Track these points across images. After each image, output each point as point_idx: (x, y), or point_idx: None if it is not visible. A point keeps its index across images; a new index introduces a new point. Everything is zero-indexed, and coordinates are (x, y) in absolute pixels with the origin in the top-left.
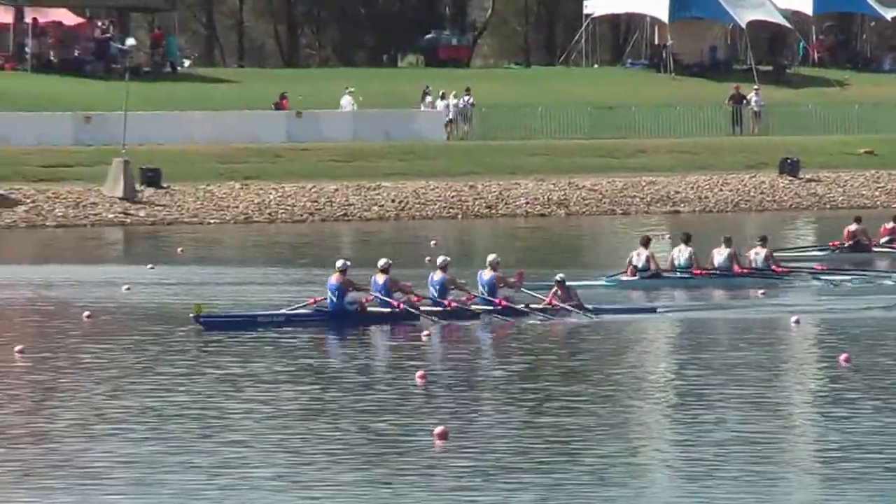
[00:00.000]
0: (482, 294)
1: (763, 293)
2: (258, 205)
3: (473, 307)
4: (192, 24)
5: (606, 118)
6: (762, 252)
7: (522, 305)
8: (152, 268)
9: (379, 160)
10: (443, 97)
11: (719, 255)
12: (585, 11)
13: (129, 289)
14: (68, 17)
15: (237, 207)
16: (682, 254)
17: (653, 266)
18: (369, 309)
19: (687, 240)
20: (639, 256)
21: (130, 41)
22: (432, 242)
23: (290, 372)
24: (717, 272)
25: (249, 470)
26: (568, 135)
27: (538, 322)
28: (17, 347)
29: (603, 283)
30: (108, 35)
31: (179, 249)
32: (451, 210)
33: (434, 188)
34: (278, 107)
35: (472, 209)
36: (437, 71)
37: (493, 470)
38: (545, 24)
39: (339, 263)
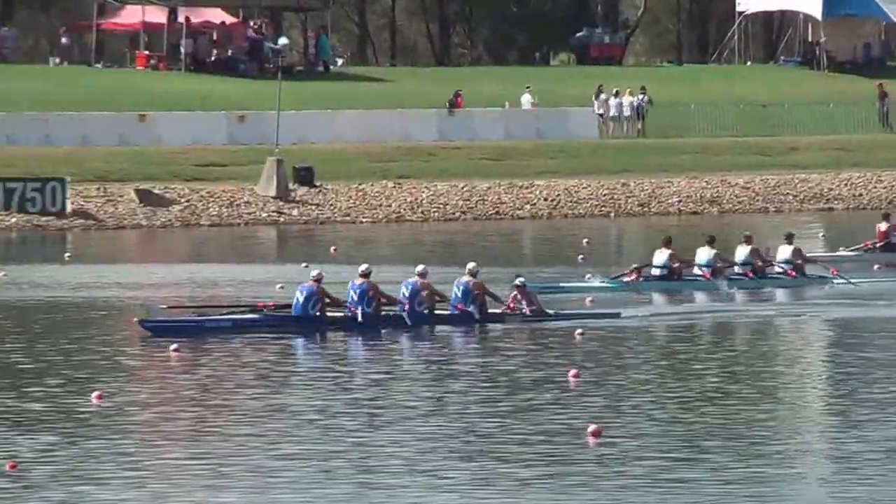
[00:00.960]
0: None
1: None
2: (410, 203)
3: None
4: (345, 24)
5: (759, 116)
6: (788, 250)
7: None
8: (306, 266)
9: (531, 159)
10: (616, 95)
11: (741, 254)
12: (738, 9)
13: (282, 287)
14: (222, 17)
15: (389, 206)
16: (703, 255)
17: (676, 266)
18: (330, 315)
19: (711, 242)
20: (660, 255)
21: (283, 40)
22: (585, 241)
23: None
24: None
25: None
26: (720, 132)
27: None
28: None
29: (605, 284)
30: (262, 35)
31: (332, 248)
32: (603, 208)
33: (586, 186)
34: (452, 104)
35: (625, 207)
36: (589, 69)
37: (647, 469)
38: (698, 21)
39: (314, 273)
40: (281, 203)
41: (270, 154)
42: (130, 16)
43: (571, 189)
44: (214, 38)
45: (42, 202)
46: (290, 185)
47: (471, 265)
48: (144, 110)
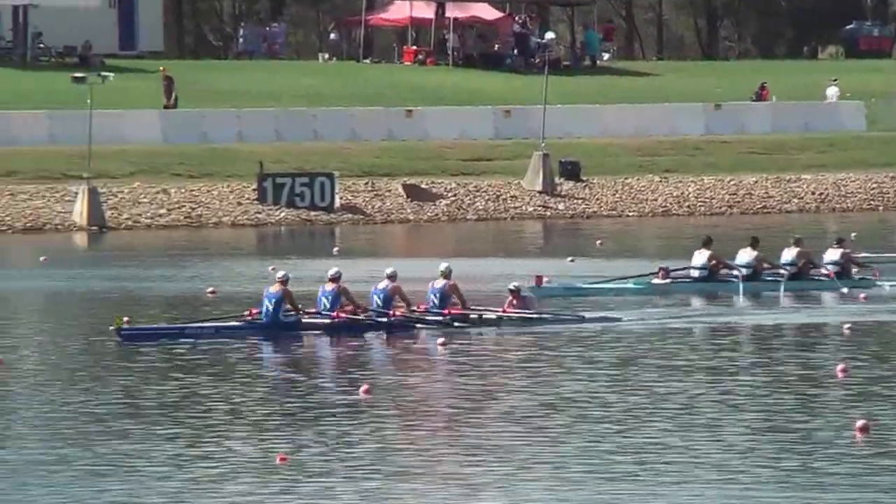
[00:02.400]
0: (433, 304)
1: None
2: (676, 198)
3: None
4: (613, 18)
5: None
6: (837, 252)
7: (475, 315)
8: (572, 261)
9: (798, 152)
10: None
11: (788, 256)
12: None
13: (549, 282)
14: (488, 12)
15: (655, 200)
16: (743, 257)
17: (715, 267)
18: (305, 321)
19: (754, 244)
20: (699, 256)
21: (550, 35)
22: (853, 235)
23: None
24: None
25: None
26: None
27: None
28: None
29: (630, 286)
30: (528, 29)
31: (598, 242)
32: (871, 202)
33: (854, 180)
34: (758, 97)
35: (894, 201)
36: (857, 63)
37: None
38: None
39: (280, 274)
40: (547, 197)
41: (536, 148)
42: (398, 11)
43: (839, 182)
44: (481, 33)
45: (311, 197)
46: (556, 180)
47: (443, 266)
48: (411, 105)
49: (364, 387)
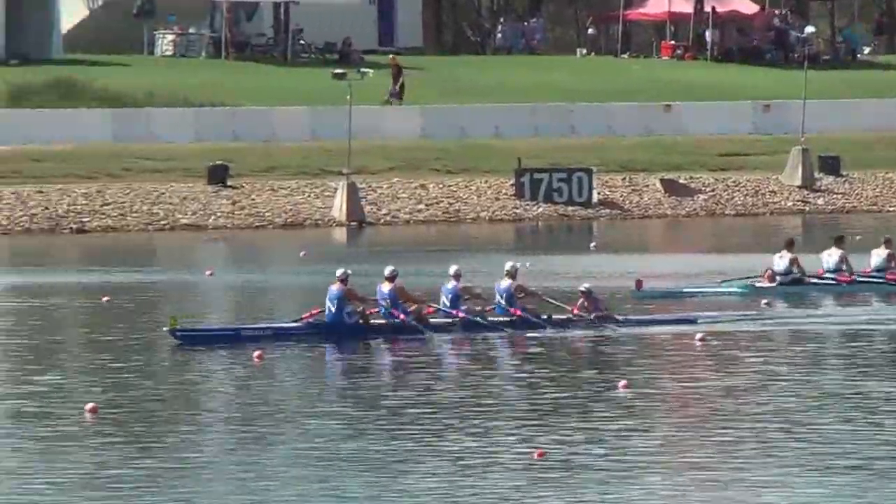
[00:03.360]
0: (499, 304)
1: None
2: None
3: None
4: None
5: None
6: (883, 254)
7: (544, 316)
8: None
9: None
10: None
11: (876, 257)
12: None
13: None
14: (747, 7)
15: None
16: (831, 258)
17: (796, 271)
18: (372, 321)
19: (838, 242)
20: (781, 259)
21: (810, 29)
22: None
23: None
24: (866, 277)
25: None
26: None
27: (560, 334)
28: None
29: (734, 289)
30: (787, 24)
31: (856, 237)
32: None
33: None
34: None
35: None
36: None
37: None
38: None
39: (340, 272)
40: (806, 192)
41: (796, 143)
42: (657, 6)
43: None
44: (740, 27)
45: (568, 192)
46: (816, 175)
47: (509, 265)
48: (669, 100)
49: (622, 382)
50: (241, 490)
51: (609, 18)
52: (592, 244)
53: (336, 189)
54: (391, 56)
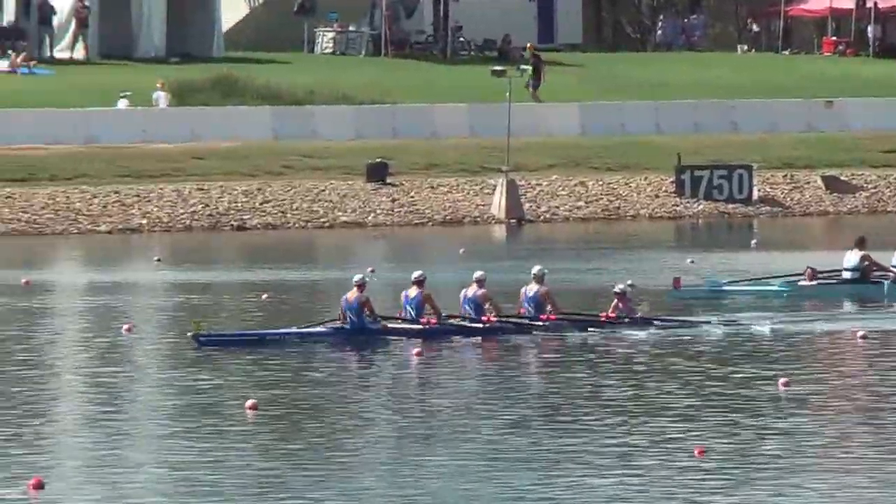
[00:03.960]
0: (528, 310)
1: None
2: None
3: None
4: None
5: None
6: None
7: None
8: None
9: None
10: None
11: None
12: None
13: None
14: None
15: None
16: (851, 259)
17: (868, 268)
18: (391, 325)
19: (860, 244)
20: (852, 256)
21: None
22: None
23: None
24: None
25: None
26: None
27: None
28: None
29: (775, 288)
30: None
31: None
32: None
33: None
34: None
35: None
36: None
37: None
38: None
39: (357, 278)
40: None
41: None
42: (818, 2)
43: None
44: None
45: (729, 189)
46: None
47: (536, 269)
48: (831, 96)
49: (783, 379)
50: (414, 488)
51: (770, 14)
52: (753, 241)
53: (495, 186)
54: (529, 45)
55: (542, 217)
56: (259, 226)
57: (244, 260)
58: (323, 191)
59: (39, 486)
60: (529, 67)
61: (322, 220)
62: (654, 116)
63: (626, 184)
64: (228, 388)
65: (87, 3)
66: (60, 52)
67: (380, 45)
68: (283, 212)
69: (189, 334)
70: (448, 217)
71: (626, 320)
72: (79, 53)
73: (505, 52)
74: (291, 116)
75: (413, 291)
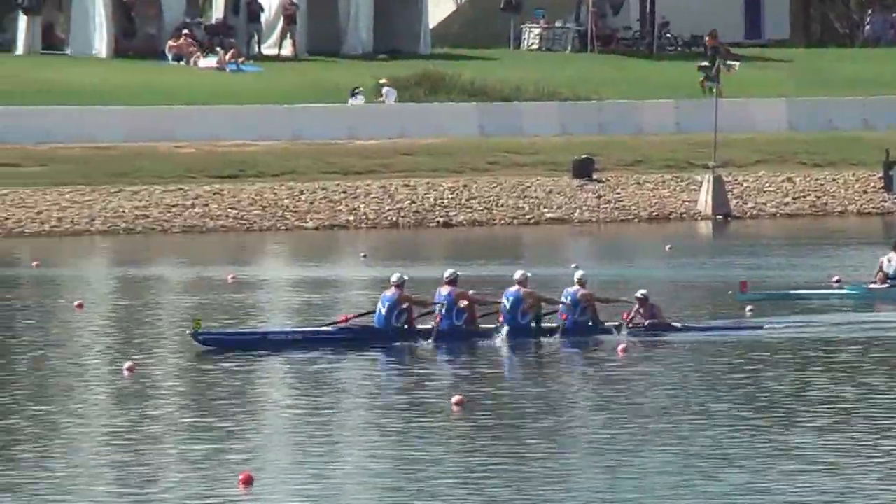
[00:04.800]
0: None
1: None
2: None
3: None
4: None
5: None
6: None
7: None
8: None
9: None
10: None
11: None
12: None
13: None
14: None
15: None
16: (892, 263)
17: None
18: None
19: None
20: (889, 263)
21: None
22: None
23: None
24: None
25: None
26: None
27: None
28: None
29: (845, 291)
30: None
31: None
32: None
33: None
34: None
35: None
36: None
37: None
38: None
39: (395, 277)
40: None
41: None
42: None
43: None
44: None
45: None
46: None
47: (579, 273)
48: None
49: None
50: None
51: None
52: None
53: (701, 182)
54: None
55: (748, 213)
56: (465, 222)
57: (450, 256)
58: (528, 187)
59: (248, 481)
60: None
61: (528, 216)
62: (861, 112)
63: (834, 179)
64: (433, 383)
65: (295, 1)
66: (268, 49)
67: (586, 42)
68: (488, 208)
69: (188, 332)
70: (654, 213)
71: (646, 324)
72: (286, 50)
73: (713, 47)
74: (497, 113)
75: (445, 290)
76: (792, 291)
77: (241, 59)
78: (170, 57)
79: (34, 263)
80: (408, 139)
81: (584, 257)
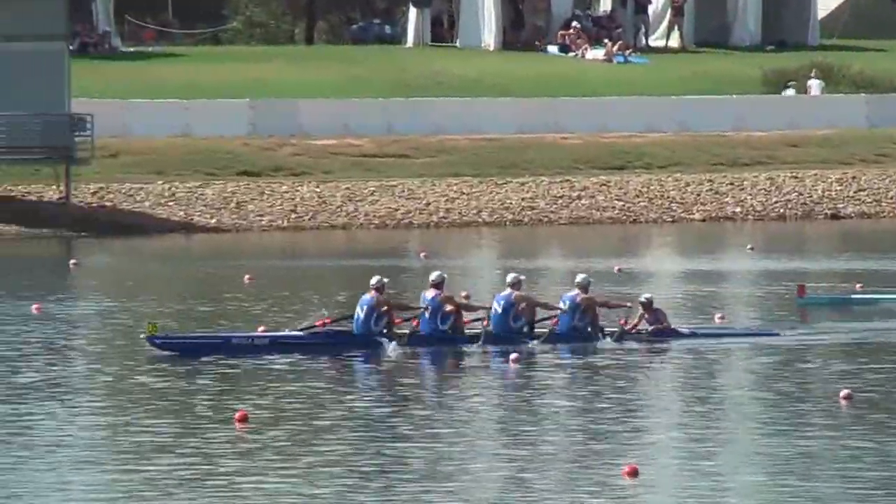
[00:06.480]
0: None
1: None
2: None
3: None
4: None
5: None
6: None
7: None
8: None
9: None
10: None
11: None
12: None
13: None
14: None
15: None
16: None
17: None
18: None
19: None
20: None
21: None
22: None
23: None
24: None
25: None
26: None
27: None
28: None
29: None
30: None
31: None
32: None
33: None
34: None
35: None
36: None
37: None
38: None
39: (374, 280)
40: None
41: None
42: None
43: None
44: None
45: None
46: None
47: (580, 277)
48: None
49: None
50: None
51: None
52: None
53: None
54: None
55: None
56: (853, 214)
57: (837, 249)
58: None
59: (634, 473)
60: None
61: None
62: None
63: None
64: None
65: None
66: (655, 41)
67: None
68: (877, 200)
69: (142, 336)
70: None
71: (650, 329)
72: (674, 41)
73: None
74: (886, 104)
75: (430, 293)
76: (852, 297)
77: (628, 51)
78: (556, 49)
79: (422, 254)
80: (796, 131)
81: None
